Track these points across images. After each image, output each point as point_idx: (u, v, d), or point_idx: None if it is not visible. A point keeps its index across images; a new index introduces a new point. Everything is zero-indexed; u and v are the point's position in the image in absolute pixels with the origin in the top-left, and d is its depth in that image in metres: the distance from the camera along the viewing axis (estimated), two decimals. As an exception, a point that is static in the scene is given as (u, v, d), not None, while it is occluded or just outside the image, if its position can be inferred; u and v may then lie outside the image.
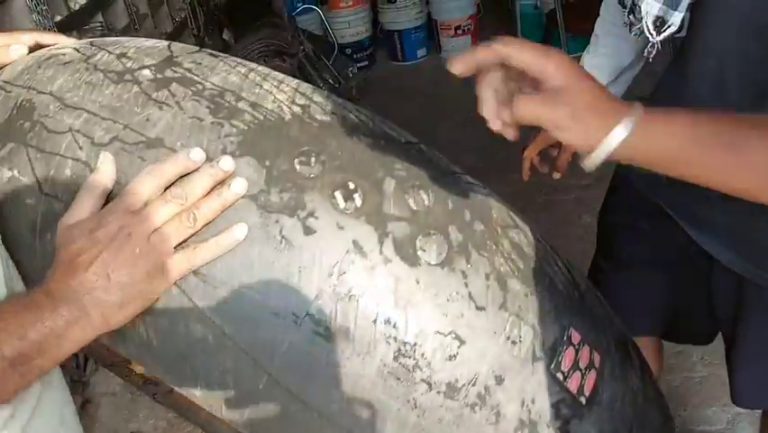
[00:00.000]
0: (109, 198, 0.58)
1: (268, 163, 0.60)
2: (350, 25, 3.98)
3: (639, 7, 0.79)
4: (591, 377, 0.67)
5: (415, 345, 0.59)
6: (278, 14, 2.45)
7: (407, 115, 3.02)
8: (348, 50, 3.92)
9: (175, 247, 0.56)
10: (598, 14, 1.09)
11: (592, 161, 0.58)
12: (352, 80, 2.70)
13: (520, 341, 0.63)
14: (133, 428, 1.79)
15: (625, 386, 0.72)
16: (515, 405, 0.63)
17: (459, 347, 0.60)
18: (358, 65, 3.17)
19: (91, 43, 0.70)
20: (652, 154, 0.58)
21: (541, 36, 3.50)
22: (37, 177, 0.61)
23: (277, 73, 0.69)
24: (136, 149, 0.60)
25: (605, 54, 1.08)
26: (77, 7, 2.07)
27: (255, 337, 0.59)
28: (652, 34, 0.79)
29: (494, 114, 0.59)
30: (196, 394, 0.63)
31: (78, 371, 1.91)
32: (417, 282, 0.59)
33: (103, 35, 2.01)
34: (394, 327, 0.58)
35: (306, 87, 0.68)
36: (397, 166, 0.64)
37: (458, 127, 2.91)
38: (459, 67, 0.58)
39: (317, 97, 0.68)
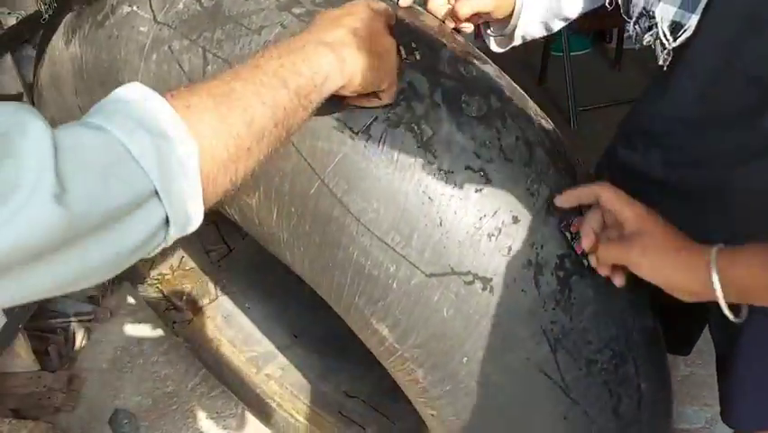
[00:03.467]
0: None
1: None
2: None
3: (651, 12, 0.76)
4: None
5: (449, 173, 0.70)
6: None
7: None
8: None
9: None
10: (602, 12, 0.96)
11: (738, 314, 0.65)
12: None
13: (538, 194, 0.73)
14: (119, 405, 1.76)
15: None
16: (525, 245, 0.72)
17: (485, 184, 0.71)
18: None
19: None
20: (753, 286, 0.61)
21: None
22: (153, 9, 0.72)
23: None
24: None
25: None
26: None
27: (315, 147, 0.70)
28: (668, 40, 0.75)
29: (592, 246, 0.72)
30: (251, 203, 0.74)
31: (67, 346, 1.88)
32: (458, 127, 0.71)
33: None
34: (433, 154, 0.70)
35: None
36: (458, 39, 0.79)
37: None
38: (565, 201, 0.74)
39: None
